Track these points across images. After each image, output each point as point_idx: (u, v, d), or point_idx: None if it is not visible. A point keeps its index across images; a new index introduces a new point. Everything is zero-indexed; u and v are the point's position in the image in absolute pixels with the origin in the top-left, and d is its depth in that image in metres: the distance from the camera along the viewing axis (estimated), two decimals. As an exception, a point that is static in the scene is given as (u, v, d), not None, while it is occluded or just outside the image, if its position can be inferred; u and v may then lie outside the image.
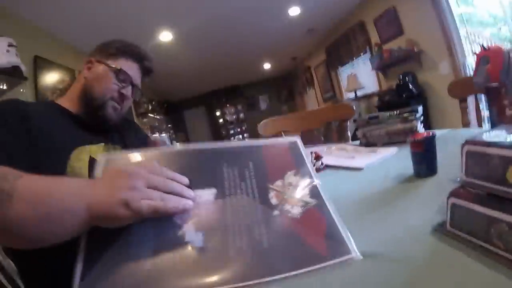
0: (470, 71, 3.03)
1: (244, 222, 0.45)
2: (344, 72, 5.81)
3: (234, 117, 9.62)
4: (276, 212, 0.47)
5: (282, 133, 1.85)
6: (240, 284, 0.37)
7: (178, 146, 0.60)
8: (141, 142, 1.05)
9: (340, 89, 6.23)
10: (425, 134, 0.67)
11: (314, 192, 0.51)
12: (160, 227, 0.43)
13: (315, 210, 0.48)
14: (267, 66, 7.48)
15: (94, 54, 0.90)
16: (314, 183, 0.52)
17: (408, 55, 3.52)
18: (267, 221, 0.46)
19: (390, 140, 1.19)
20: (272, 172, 0.54)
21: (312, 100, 8.07)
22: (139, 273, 0.40)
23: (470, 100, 1.36)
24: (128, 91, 0.89)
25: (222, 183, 0.50)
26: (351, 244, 0.40)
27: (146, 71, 0.97)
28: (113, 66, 0.86)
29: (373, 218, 0.53)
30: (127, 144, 0.95)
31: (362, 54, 4.83)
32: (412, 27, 3.52)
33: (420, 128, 1.17)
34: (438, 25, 3.07)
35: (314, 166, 1.00)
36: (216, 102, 9.32)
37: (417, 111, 1.17)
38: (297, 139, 0.62)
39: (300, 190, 0.51)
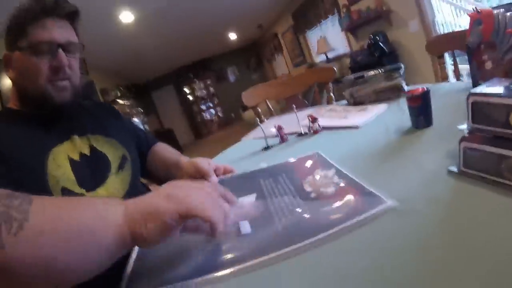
0: (439, 28, 3.16)
1: (285, 207, 0.54)
2: (313, 36, 5.85)
3: (204, 92, 9.49)
4: (313, 194, 0.56)
5: (267, 101, 1.90)
6: (289, 248, 0.42)
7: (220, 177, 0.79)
8: (124, 127, 0.95)
9: (310, 53, 6.29)
10: (420, 89, 0.74)
11: (341, 174, 0.61)
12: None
13: (346, 186, 0.56)
14: (233, 36, 7.37)
15: (5, 47, 0.74)
16: (341, 169, 0.63)
17: (378, 15, 3.61)
18: (305, 201, 0.55)
19: (377, 97, 1.27)
20: (302, 174, 0.66)
21: (282, 66, 8.10)
22: (194, 259, 0.47)
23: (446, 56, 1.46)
24: (59, 58, 0.71)
25: (261, 190, 0.64)
26: (384, 195, 0.48)
27: (67, 16, 0.76)
28: (24, 45, 0.70)
29: (389, 170, 0.60)
30: (109, 131, 0.85)
31: (330, 16, 4.87)
32: (381, -14, 3.56)
33: (404, 84, 1.26)
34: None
35: (311, 128, 1.07)
36: (184, 79, 9.14)
37: (400, 68, 1.25)
38: (319, 151, 0.77)
39: (329, 176, 0.61)
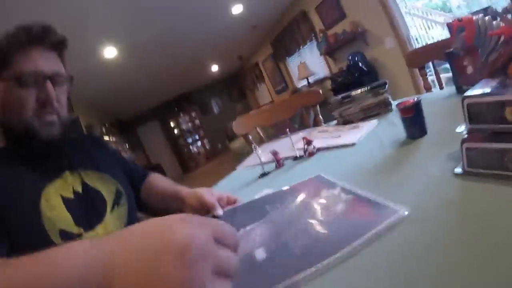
0: (414, 42, 3.33)
1: (298, 228, 0.54)
2: (293, 62, 6.04)
3: (189, 125, 9.54)
4: (323, 214, 0.56)
5: (257, 129, 1.92)
6: (312, 269, 0.41)
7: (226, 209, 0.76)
8: (114, 159, 0.93)
9: (291, 79, 6.46)
10: (411, 100, 0.77)
11: (346, 190, 0.61)
12: None
13: (355, 201, 0.56)
14: (215, 68, 7.53)
15: None
16: (345, 186, 0.63)
17: (354, 36, 3.79)
18: (317, 221, 0.54)
19: (366, 114, 1.31)
20: (309, 196, 0.66)
21: (265, 94, 8.27)
22: None
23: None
24: (47, 90, 0.67)
25: (269, 215, 0.63)
26: (394, 205, 0.48)
27: (54, 46, 0.73)
28: (9, 75, 0.66)
29: (394, 180, 0.61)
30: (100, 165, 0.82)
31: (308, 42, 5.06)
32: (353, 9, 3.80)
33: (390, 99, 1.31)
34: (379, 4, 3.34)
35: (306, 151, 1.08)
36: (168, 113, 9.20)
37: (385, 84, 1.30)
38: (321, 174, 0.77)
39: (336, 195, 0.62)
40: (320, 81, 5.32)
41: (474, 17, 0.58)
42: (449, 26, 0.64)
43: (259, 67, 7.68)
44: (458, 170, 0.51)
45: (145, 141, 9.12)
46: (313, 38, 4.82)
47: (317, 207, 0.60)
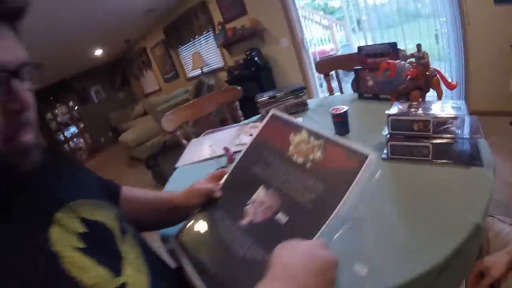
0: (307, 45, 3.91)
1: (298, 186, 0.62)
2: (186, 51, 6.11)
3: (68, 116, 8.58)
4: (308, 165, 0.64)
5: (184, 124, 2.08)
6: (328, 221, 0.53)
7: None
8: (89, 175, 0.72)
9: (183, 68, 6.51)
10: (341, 108, 1.12)
11: (314, 133, 0.67)
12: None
13: (327, 144, 0.64)
14: (98, 52, 6.97)
15: None
16: (309, 128, 0.68)
17: (253, 33, 4.16)
18: (309, 173, 0.63)
19: (288, 112, 1.66)
20: (282, 145, 0.70)
21: (151, 82, 8.07)
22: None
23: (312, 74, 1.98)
24: (19, 95, 0.44)
25: (263, 180, 0.69)
26: (361, 147, 0.59)
27: (10, 15, 0.46)
28: None
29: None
30: (87, 191, 0.64)
31: (204, 33, 5.23)
32: (255, 8, 4.16)
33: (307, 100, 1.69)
34: (280, 6, 3.78)
35: (229, 160, 1.26)
36: (43, 105, 8.03)
37: (304, 89, 1.67)
38: (271, 112, 0.78)
39: (307, 140, 0.66)
40: (214, 72, 5.58)
41: (397, 63, 0.95)
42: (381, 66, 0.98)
43: (147, 53, 7.47)
44: (384, 156, 0.87)
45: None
46: (211, 29, 5.02)
47: (298, 159, 0.66)
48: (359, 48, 1.39)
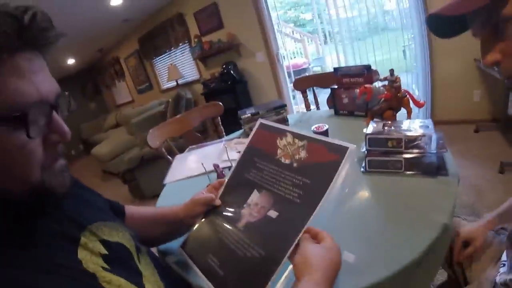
0: (282, 59, 4.08)
1: (287, 185, 0.69)
2: (161, 62, 6.11)
3: (34, 128, 8.23)
4: (295, 164, 0.70)
5: (167, 140, 2.13)
6: (316, 209, 0.59)
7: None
8: (97, 197, 0.76)
9: (157, 79, 6.48)
10: (322, 126, 1.24)
11: (298, 136, 0.73)
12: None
13: (310, 143, 0.70)
14: (71, 61, 6.82)
15: None
16: (293, 131, 0.74)
17: (229, 46, 4.29)
18: (295, 173, 0.69)
19: (271, 128, 1.77)
20: (270, 150, 0.76)
21: (124, 92, 7.93)
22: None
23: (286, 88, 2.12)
24: (59, 128, 0.47)
25: (256, 184, 0.75)
26: (341, 142, 0.65)
27: (45, 46, 0.47)
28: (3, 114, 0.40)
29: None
30: (100, 213, 0.67)
31: (180, 44, 5.28)
32: (232, 22, 4.29)
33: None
34: (257, 22, 3.93)
35: (219, 176, 1.27)
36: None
37: (285, 106, 1.79)
38: (259, 121, 0.84)
39: (292, 142, 0.73)
40: (189, 84, 5.59)
41: (373, 87, 1.09)
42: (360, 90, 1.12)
43: (120, 63, 7.39)
44: (363, 169, 0.99)
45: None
46: (187, 42, 5.08)
47: (285, 160, 0.72)
48: (336, 69, 1.54)
